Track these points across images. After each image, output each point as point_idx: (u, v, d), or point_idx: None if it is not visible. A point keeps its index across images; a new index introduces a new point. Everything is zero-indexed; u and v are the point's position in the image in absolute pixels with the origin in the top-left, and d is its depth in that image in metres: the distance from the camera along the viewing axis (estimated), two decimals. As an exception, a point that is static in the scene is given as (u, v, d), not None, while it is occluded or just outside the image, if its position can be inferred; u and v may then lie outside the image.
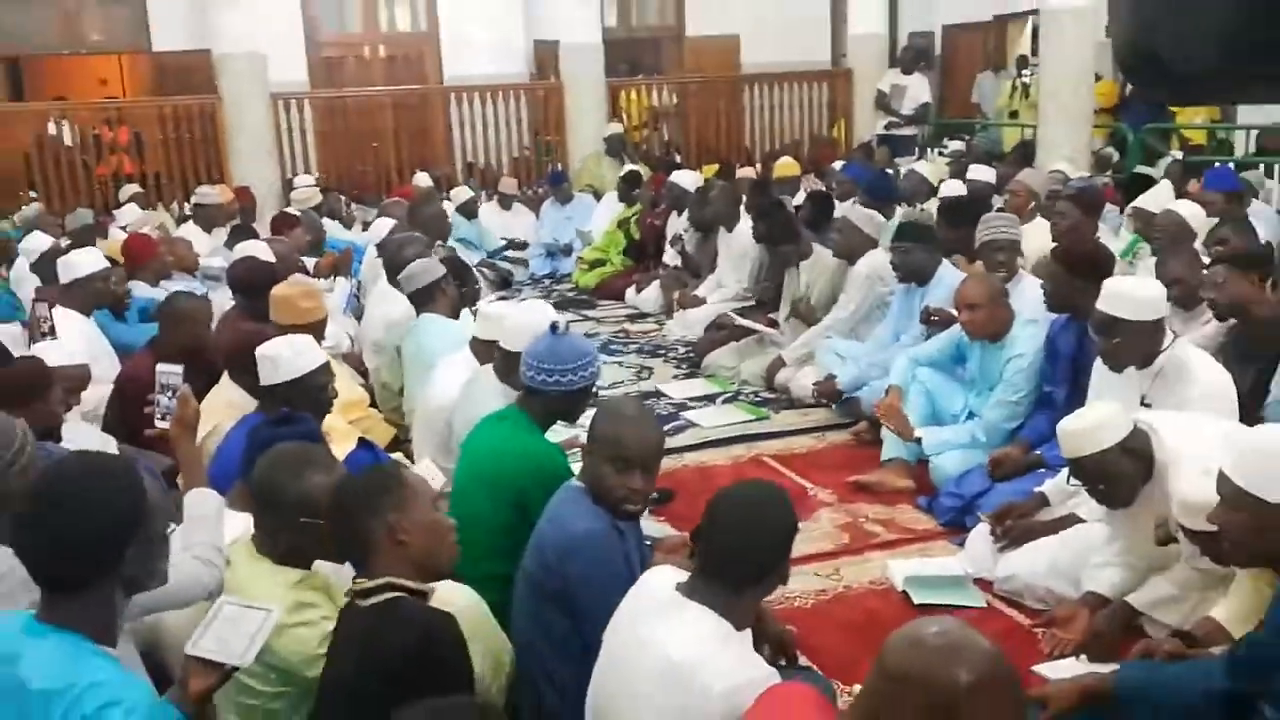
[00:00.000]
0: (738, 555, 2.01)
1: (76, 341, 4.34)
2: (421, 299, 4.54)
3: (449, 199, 9.04)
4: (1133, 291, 3.40)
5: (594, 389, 3.09)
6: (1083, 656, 2.93)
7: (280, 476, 2.35)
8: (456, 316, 4.56)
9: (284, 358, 3.20)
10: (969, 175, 7.42)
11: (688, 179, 8.06)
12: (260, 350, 3.26)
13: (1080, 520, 3.41)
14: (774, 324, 5.98)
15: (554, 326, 3.06)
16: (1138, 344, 3.40)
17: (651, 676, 1.95)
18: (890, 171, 8.37)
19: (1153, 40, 0.69)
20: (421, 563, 2.08)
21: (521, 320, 3.48)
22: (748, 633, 2.04)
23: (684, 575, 2.09)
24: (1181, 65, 0.69)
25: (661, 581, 2.10)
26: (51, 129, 10.25)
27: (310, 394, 3.20)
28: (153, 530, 1.77)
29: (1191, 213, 5.12)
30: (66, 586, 1.69)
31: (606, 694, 2.10)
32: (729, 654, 1.94)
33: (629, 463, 2.43)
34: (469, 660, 2.06)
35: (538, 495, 2.70)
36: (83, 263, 4.96)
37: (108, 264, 5.11)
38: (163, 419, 2.72)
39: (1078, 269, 3.96)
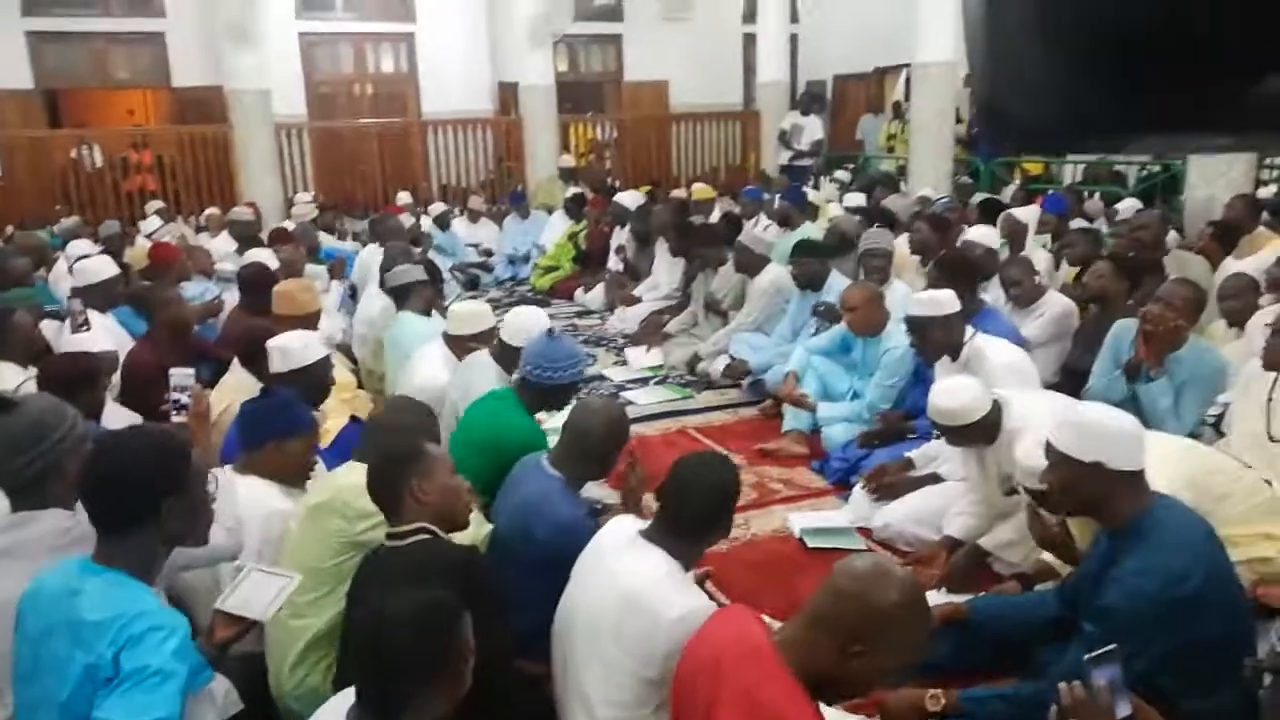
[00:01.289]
0: (691, 510, 2.04)
1: (102, 334, 4.18)
2: (399, 296, 4.47)
3: (427, 213, 8.91)
4: (924, 297, 3.61)
5: (579, 385, 3.06)
6: (943, 589, 2.98)
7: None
8: (429, 314, 4.50)
9: (293, 350, 3.12)
10: (845, 201, 7.45)
11: (629, 199, 7.96)
12: (271, 343, 3.17)
13: (940, 480, 3.48)
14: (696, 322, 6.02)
15: (550, 331, 3.06)
16: (936, 337, 3.54)
17: (613, 600, 1.97)
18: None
19: (1005, 104, 0.71)
20: (440, 518, 2.06)
21: (521, 321, 3.46)
22: (692, 572, 2.07)
23: (643, 524, 2.13)
24: (1028, 125, 0.70)
25: (626, 528, 2.13)
26: (76, 153, 9.88)
27: (313, 382, 3.10)
28: (194, 494, 1.74)
29: (981, 234, 5.06)
30: (113, 528, 1.68)
31: (572, 612, 2.11)
32: (678, 588, 1.97)
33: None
34: (499, 585, 2.06)
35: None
36: (98, 269, 4.67)
37: (118, 271, 4.84)
38: (178, 414, 2.64)
39: (952, 271, 4.10)
